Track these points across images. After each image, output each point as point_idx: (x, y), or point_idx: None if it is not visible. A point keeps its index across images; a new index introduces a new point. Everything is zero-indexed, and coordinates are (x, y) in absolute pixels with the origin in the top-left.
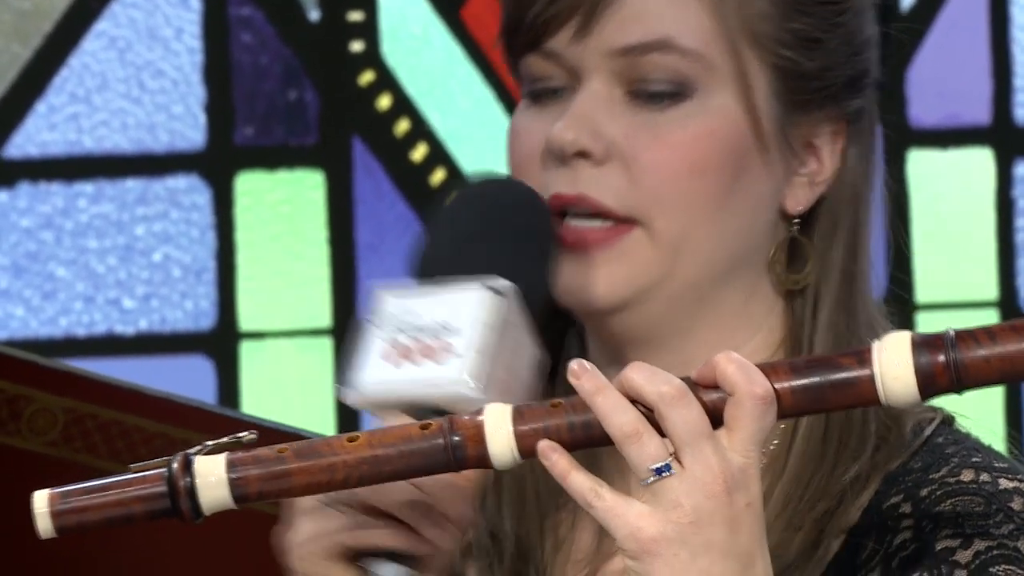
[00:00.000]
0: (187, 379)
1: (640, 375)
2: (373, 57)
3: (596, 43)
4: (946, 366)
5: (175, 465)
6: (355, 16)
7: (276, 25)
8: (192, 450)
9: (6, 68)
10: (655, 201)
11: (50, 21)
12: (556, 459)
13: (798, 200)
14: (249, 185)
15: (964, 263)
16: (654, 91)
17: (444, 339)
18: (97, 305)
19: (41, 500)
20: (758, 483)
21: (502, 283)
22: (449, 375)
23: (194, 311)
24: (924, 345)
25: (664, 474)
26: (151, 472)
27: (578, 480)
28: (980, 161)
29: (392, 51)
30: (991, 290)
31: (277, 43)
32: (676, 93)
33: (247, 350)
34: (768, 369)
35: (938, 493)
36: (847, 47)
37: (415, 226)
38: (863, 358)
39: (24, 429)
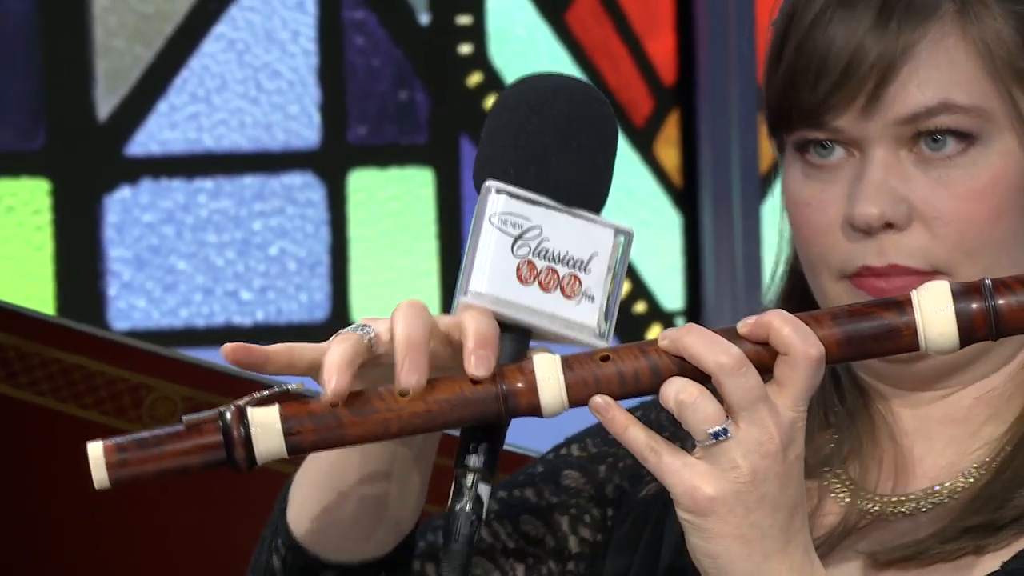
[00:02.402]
0: None
1: (699, 342)
2: (481, 59)
3: (880, 118)
4: (985, 313)
5: (229, 416)
6: (463, 20)
7: (388, 28)
8: (242, 400)
9: (129, 69)
10: (958, 252)
11: (171, 24)
12: (613, 415)
13: None
14: (361, 182)
15: None
16: (939, 147)
17: (575, 272)
18: (216, 297)
19: (96, 451)
20: (803, 435)
21: (625, 227)
22: (580, 318)
23: (308, 303)
24: (962, 293)
25: (721, 438)
26: (206, 423)
27: (635, 435)
28: None
29: (499, 53)
30: None
31: (389, 45)
32: (961, 144)
33: None
34: (812, 320)
35: None
36: None
37: None
38: (904, 308)
39: (145, 416)
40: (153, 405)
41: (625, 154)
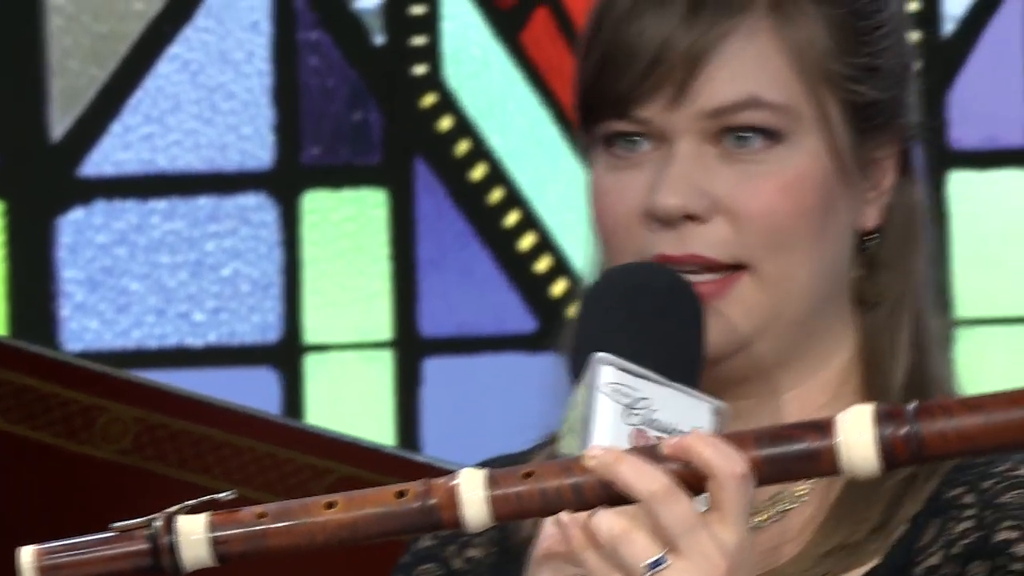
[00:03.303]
0: (254, 390)
1: (628, 470)
2: (435, 80)
3: (687, 109)
4: (906, 440)
5: (158, 524)
6: (418, 40)
7: (342, 49)
8: (173, 509)
9: (84, 90)
10: (761, 246)
11: (126, 44)
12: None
13: (870, 218)
14: (315, 203)
15: (1003, 280)
16: (745, 144)
17: None
18: (168, 318)
19: (27, 556)
20: (751, 554)
21: (722, 404)
22: None
23: (261, 324)
24: (885, 418)
25: (659, 568)
26: (135, 530)
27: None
28: (1018, 182)
29: (453, 74)
30: None
31: (343, 66)
32: (767, 142)
33: (312, 363)
34: (735, 440)
35: (1000, 485)
36: (897, 69)
37: (473, 243)
38: (826, 430)
39: (97, 438)
40: (105, 426)
41: (577, 174)
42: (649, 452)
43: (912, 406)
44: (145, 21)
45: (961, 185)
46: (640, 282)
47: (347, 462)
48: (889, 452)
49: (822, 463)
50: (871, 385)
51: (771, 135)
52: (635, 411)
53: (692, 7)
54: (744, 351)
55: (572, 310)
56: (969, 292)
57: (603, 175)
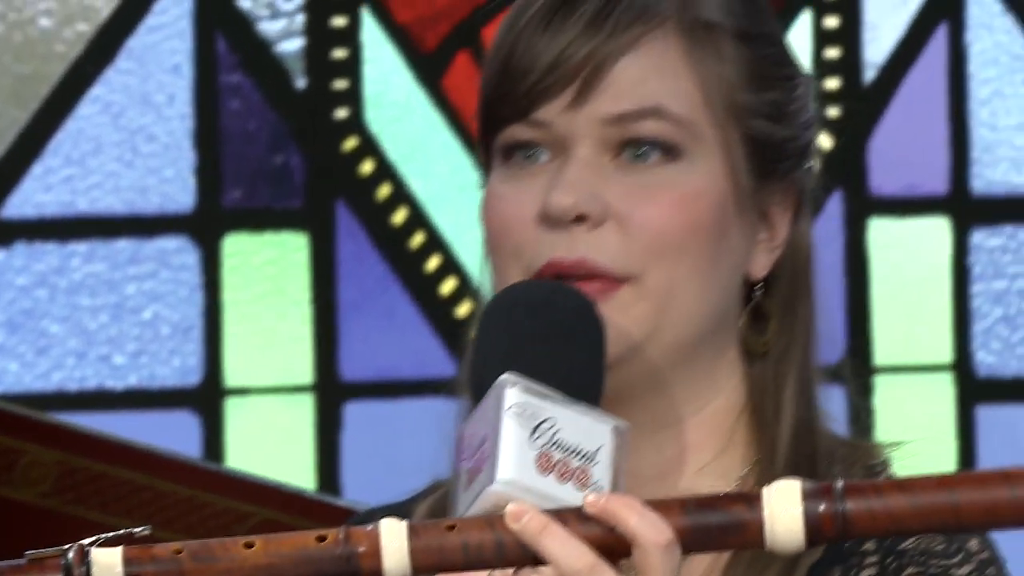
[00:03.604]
0: (174, 434)
1: (553, 543)
2: (357, 124)
3: (588, 112)
4: (833, 516)
5: (71, 555)
6: (340, 84)
7: (264, 92)
8: (87, 540)
9: (4, 131)
10: (649, 256)
11: (47, 86)
12: None
13: (760, 266)
14: (236, 246)
15: (921, 328)
16: (643, 159)
17: (583, 466)
18: (88, 361)
19: None
20: None
21: (623, 424)
22: None
23: (181, 368)
24: (813, 494)
25: None
26: (49, 558)
27: None
28: (937, 230)
29: (375, 118)
30: (946, 354)
31: (265, 109)
32: (665, 157)
33: (232, 406)
34: (662, 508)
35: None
36: (802, 120)
37: (394, 287)
38: (754, 502)
39: (18, 480)
40: (26, 469)
41: None
42: (574, 514)
43: (840, 484)
44: (67, 62)
45: (880, 232)
46: (542, 300)
47: (268, 506)
48: (815, 528)
49: (748, 535)
50: (760, 438)
51: (671, 150)
52: (540, 432)
53: (599, 15)
54: (620, 367)
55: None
56: (887, 340)
57: (499, 185)
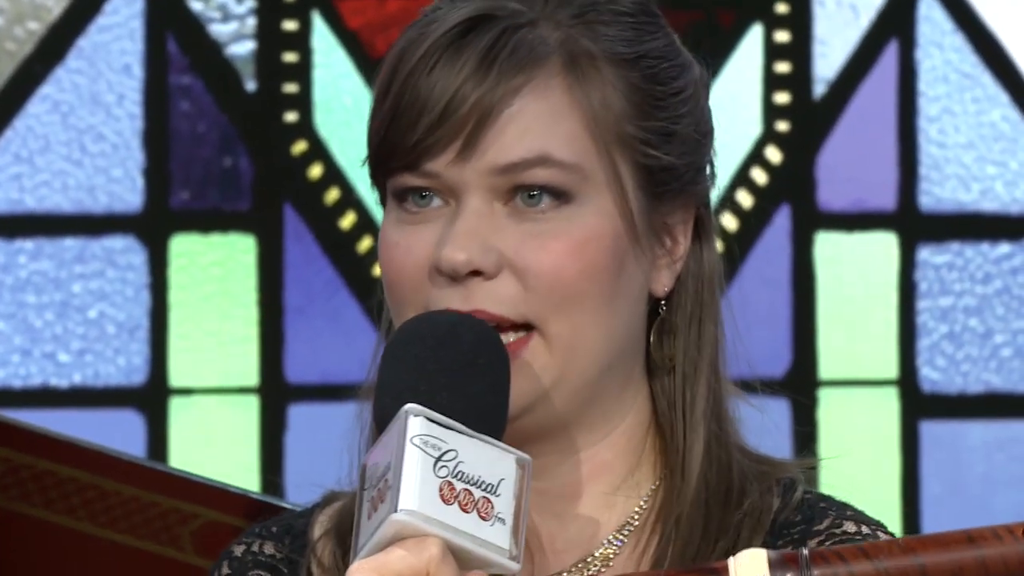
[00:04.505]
0: (118, 432)
1: None
2: (306, 127)
3: (477, 163)
4: None
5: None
6: (290, 88)
7: (214, 94)
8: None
9: None
10: (548, 306)
11: None
12: None
13: (663, 283)
14: (183, 247)
15: (866, 343)
16: (534, 203)
17: (487, 496)
18: (33, 358)
19: None
20: None
21: (524, 456)
22: (495, 539)
23: (126, 367)
24: (779, 564)
25: None
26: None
27: None
28: (885, 246)
29: (324, 122)
30: (891, 369)
31: (214, 111)
32: (556, 202)
33: (176, 406)
34: None
35: (828, 544)
36: (694, 136)
37: (342, 291)
38: (721, 573)
39: None
40: None
41: None
42: None
43: (806, 551)
44: (17, 61)
45: (828, 247)
46: (445, 331)
47: (213, 507)
48: None
49: None
50: (669, 452)
51: (560, 194)
52: (443, 463)
53: (484, 61)
54: (529, 415)
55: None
56: (832, 353)
57: (392, 229)
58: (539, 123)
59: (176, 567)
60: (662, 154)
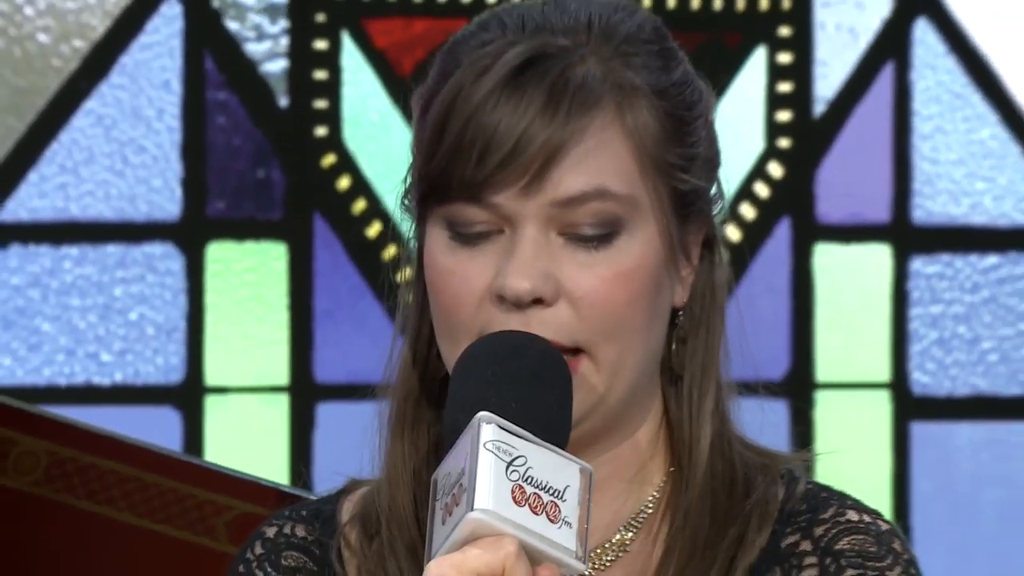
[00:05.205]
0: (156, 428)
1: None
2: (335, 141)
3: (540, 197)
4: None
5: None
6: (320, 104)
7: (248, 109)
8: None
9: (2, 140)
10: (598, 332)
11: (43, 99)
12: None
13: (681, 295)
14: (219, 254)
15: (861, 348)
16: (588, 234)
17: (555, 500)
18: (77, 358)
19: None
20: None
21: (587, 466)
22: (563, 541)
23: (164, 366)
24: None
25: None
26: None
27: None
28: (879, 256)
29: (352, 136)
30: (884, 373)
31: (249, 126)
32: (609, 232)
33: (211, 403)
34: None
35: (833, 532)
36: (709, 157)
37: (367, 296)
38: None
39: (10, 469)
40: (18, 459)
41: None
42: None
43: None
44: (63, 77)
45: (826, 257)
46: (513, 347)
47: (245, 500)
48: None
49: None
50: (678, 446)
51: (613, 223)
52: (514, 467)
53: (550, 100)
54: (582, 423)
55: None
56: (829, 358)
57: (444, 254)
58: (597, 159)
59: (211, 556)
60: (690, 177)
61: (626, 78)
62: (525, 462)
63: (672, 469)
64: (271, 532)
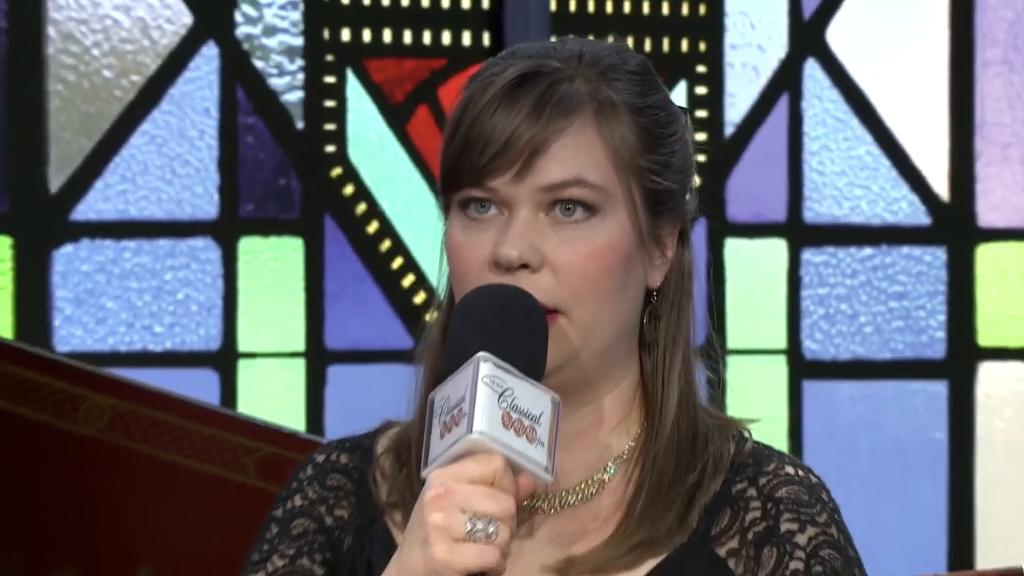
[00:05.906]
0: (199, 386)
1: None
2: (342, 157)
3: (528, 183)
4: None
5: None
6: (329, 126)
7: (272, 130)
8: None
9: (75, 155)
10: (575, 295)
11: (107, 122)
12: None
13: (655, 279)
14: (248, 247)
15: (763, 321)
16: (569, 214)
17: (532, 424)
18: (135, 329)
19: None
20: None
21: (558, 397)
22: (538, 457)
23: (205, 336)
24: None
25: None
26: None
27: None
28: (777, 249)
29: (356, 153)
30: (781, 341)
31: (272, 144)
32: (586, 214)
33: (243, 366)
34: None
35: (774, 482)
36: (683, 167)
37: (368, 280)
38: None
39: (80, 420)
40: (87, 411)
41: None
42: None
43: None
44: (123, 104)
45: (734, 250)
46: (503, 299)
47: (269, 443)
48: None
49: None
50: (651, 405)
51: (589, 208)
52: (504, 398)
53: (536, 108)
54: (558, 374)
55: (432, 318)
56: (737, 330)
57: (459, 232)
58: (576, 154)
59: (243, 489)
60: (663, 180)
61: (606, 95)
62: (512, 393)
63: (646, 423)
64: (320, 458)
